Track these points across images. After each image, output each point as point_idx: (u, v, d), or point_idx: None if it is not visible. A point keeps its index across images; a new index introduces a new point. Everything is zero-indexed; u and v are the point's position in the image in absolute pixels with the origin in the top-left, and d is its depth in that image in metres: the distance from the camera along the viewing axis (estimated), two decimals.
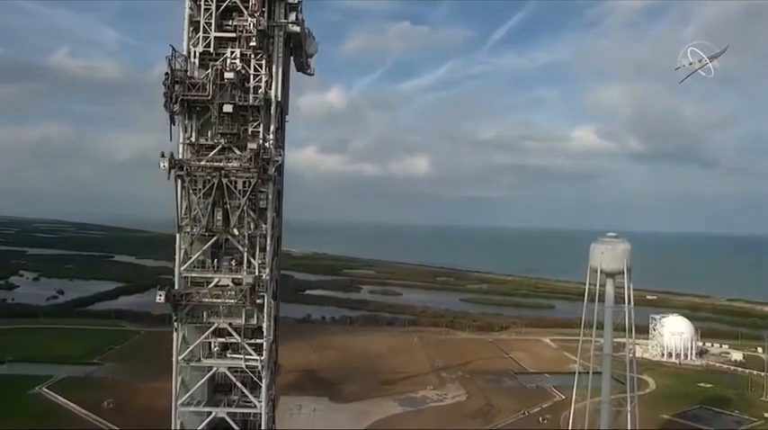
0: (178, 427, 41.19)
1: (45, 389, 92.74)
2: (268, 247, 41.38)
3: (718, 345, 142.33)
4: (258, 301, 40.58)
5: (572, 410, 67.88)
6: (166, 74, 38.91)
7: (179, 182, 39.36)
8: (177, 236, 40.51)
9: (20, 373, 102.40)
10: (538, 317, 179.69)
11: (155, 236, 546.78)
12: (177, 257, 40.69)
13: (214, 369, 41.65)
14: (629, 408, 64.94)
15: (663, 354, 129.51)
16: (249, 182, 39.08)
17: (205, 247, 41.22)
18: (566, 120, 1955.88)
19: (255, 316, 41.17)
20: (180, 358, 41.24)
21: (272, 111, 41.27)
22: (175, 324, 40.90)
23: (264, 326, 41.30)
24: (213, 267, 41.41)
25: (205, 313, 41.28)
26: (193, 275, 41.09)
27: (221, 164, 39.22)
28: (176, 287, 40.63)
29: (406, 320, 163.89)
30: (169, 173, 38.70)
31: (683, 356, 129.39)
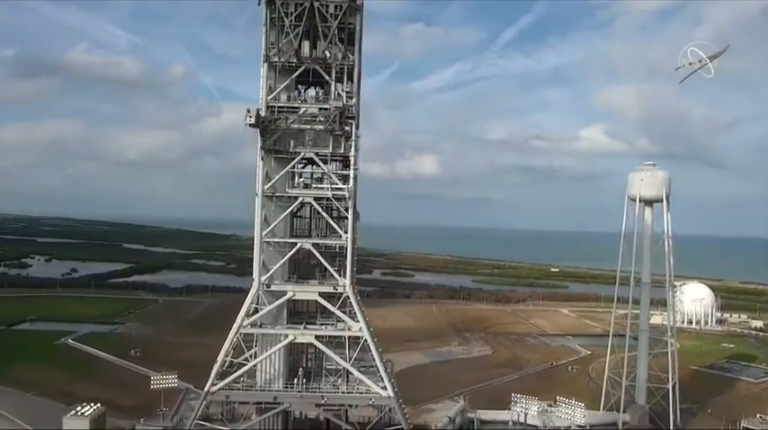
0: (261, 264, 40.85)
1: (71, 341, 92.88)
2: (355, 77, 41.27)
3: (737, 316, 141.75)
4: (346, 128, 40.46)
5: (609, 352, 67.40)
6: None
7: (268, 11, 39.65)
8: (263, 67, 40.42)
9: (43, 329, 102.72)
10: (553, 293, 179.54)
11: (163, 230, 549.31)
12: (262, 89, 40.52)
13: (300, 199, 41.28)
14: (669, 336, 64.91)
15: (683, 321, 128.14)
16: (341, 6, 39.39)
17: (294, 77, 41.15)
18: (574, 122, 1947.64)
19: (342, 145, 40.98)
20: (265, 188, 40.91)
21: None
22: (261, 153, 40.64)
23: (351, 154, 41.06)
24: (298, 100, 41.23)
25: (292, 142, 41.14)
26: (280, 105, 40.83)
27: None
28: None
29: (423, 294, 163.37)
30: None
31: (703, 323, 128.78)
